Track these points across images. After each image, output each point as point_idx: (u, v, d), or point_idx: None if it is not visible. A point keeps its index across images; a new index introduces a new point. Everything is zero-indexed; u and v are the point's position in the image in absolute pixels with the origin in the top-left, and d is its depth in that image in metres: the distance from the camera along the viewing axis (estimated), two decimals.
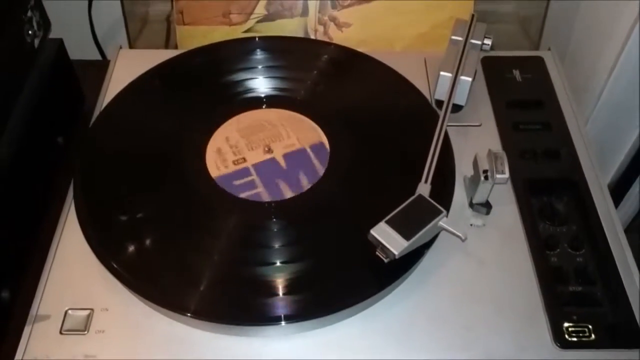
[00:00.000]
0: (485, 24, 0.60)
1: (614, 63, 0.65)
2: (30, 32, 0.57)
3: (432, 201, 0.46)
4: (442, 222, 0.45)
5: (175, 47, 0.70)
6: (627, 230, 0.78)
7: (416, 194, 0.46)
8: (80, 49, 0.80)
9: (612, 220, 0.52)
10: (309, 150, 0.54)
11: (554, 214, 0.53)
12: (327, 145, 0.54)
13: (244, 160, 0.54)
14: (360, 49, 0.64)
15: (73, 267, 0.49)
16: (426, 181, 0.48)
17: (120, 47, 0.67)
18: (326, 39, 0.68)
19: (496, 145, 0.57)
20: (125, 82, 0.60)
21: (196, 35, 0.68)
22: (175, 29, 0.69)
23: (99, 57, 0.84)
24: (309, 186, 0.51)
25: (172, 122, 0.56)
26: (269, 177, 0.52)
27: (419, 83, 0.61)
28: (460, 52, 0.57)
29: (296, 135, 0.55)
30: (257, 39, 0.62)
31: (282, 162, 0.53)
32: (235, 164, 0.53)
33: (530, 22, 0.74)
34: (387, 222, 0.44)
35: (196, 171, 0.52)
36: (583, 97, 0.70)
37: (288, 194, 0.50)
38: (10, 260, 0.52)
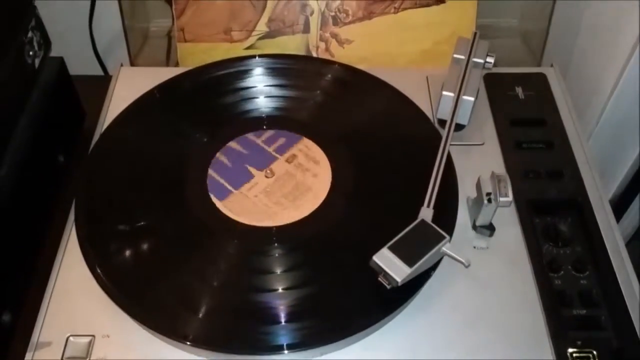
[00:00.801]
0: (487, 42, 0.60)
1: (617, 79, 0.65)
2: (30, 52, 0.57)
3: (435, 226, 0.46)
4: (445, 247, 0.45)
5: (176, 64, 0.69)
6: (630, 241, 0.79)
7: (419, 219, 0.46)
8: (81, 63, 0.80)
9: (615, 242, 0.52)
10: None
11: (558, 235, 0.52)
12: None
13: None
14: (361, 66, 0.63)
15: (74, 293, 0.48)
16: (429, 205, 0.48)
17: (122, 65, 0.66)
18: (327, 56, 0.68)
19: (499, 164, 0.57)
20: (127, 100, 0.60)
21: (197, 53, 0.67)
22: (176, 45, 0.69)
23: (100, 70, 0.84)
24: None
25: (175, 143, 0.56)
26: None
27: (422, 100, 0.61)
28: (463, 71, 0.57)
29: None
30: (257, 56, 0.62)
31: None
32: None
33: (533, 37, 0.74)
34: (389, 248, 0.44)
35: (200, 196, 0.52)
36: (586, 112, 0.70)
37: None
38: (11, 283, 0.52)
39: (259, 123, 0.57)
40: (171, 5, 0.67)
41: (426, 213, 0.47)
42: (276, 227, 0.50)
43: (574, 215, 0.54)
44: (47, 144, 0.60)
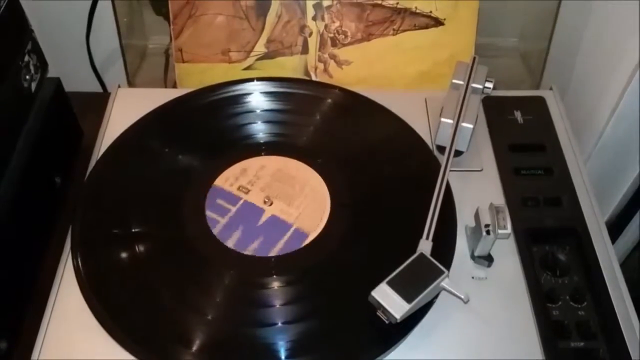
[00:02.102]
0: (486, 67, 0.60)
1: (617, 102, 0.65)
2: (27, 76, 0.57)
3: (434, 260, 0.45)
4: (444, 282, 0.45)
5: (174, 83, 0.69)
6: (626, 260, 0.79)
7: (417, 252, 0.46)
8: (79, 79, 0.80)
9: (613, 272, 0.52)
10: (291, 231, 0.52)
11: (556, 264, 0.52)
12: (312, 236, 0.51)
13: (247, 192, 0.54)
14: (360, 87, 0.64)
15: (71, 322, 0.48)
16: (427, 237, 0.47)
17: (119, 86, 0.66)
18: (326, 77, 0.67)
19: (498, 191, 0.57)
20: (124, 122, 0.60)
21: (195, 73, 0.67)
22: (173, 64, 0.68)
23: (98, 85, 0.83)
24: (250, 253, 0.50)
25: (171, 171, 0.56)
26: (238, 220, 0.52)
27: (420, 123, 0.61)
28: (462, 97, 0.57)
29: (303, 211, 0.53)
30: (255, 79, 0.62)
31: (263, 219, 0.53)
32: (238, 189, 0.54)
33: (532, 57, 0.74)
34: (388, 283, 0.44)
35: (201, 233, 0.51)
36: (584, 134, 0.70)
37: (230, 244, 0.50)
38: (8, 309, 0.52)
39: (256, 149, 0.57)
40: (169, 22, 0.67)
41: (425, 246, 0.47)
42: (275, 257, 0.49)
43: (572, 243, 0.54)
44: (44, 166, 0.59)
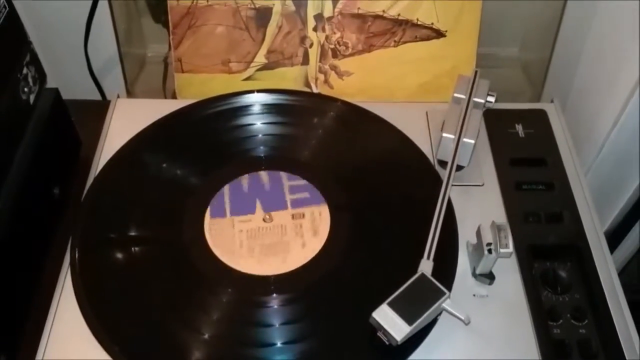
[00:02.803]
0: (488, 81, 0.60)
1: (619, 114, 0.64)
2: (25, 89, 0.56)
3: (435, 281, 0.45)
4: (445, 304, 0.44)
5: (174, 93, 0.69)
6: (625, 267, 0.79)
7: (419, 272, 0.46)
8: (78, 85, 0.80)
9: (615, 290, 0.51)
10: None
11: (557, 281, 0.52)
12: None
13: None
14: (361, 98, 0.63)
15: (69, 338, 0.48)
16: (428, 257, 0.47)
17: (118, 96, 0.66)
18: (326, 87, 0.67)
19: (499, 206, 0.57)
20: (123, 134, 0.60)
21: (195, 83, 0.67)
22: (173, 73, 0.68)
23: (97, 91, 0.83)
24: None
25: (171, 184, 0.55)
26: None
27: (421, 136, 0.60)
28: (463, 112, 0.57)
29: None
30: (255, 91, 0.62)
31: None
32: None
33: (533, 67, 0.74)
34: (389, 304, 0.44)
35: (202, 253, 0.51)
36: (585, 145, 0.69)
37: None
38: (7, 324, 0.52)
39: (257, 163, 0.57)
40: (168, 30, 0.66)
41: (426, 266, 0.47)
42: (274, 275, 0.49)
43: (573, 260, 0.54)
44: (42, 178, 0.59)
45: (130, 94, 0.71)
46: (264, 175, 0.56)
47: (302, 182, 0.56)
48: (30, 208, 0.56)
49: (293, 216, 0.53)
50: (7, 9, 0.53)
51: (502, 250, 0.48)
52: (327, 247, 0.51)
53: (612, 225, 0.75)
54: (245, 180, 0.55)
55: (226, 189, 0.55)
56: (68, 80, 0.84)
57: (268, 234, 0.52)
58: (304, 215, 0.53)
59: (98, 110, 0.67)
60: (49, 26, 0.79)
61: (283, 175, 0.56)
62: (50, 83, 0.84)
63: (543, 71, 0.72)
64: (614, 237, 0.75)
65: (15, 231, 0.52)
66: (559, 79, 0.73)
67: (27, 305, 0.54)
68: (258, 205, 0.54)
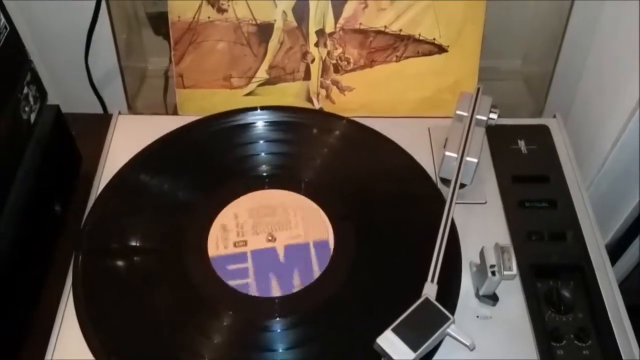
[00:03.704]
0: (491, 98, 0.59)
1: (622, 129, 0.64)
2: (26, 108, 0.56)
3: (439, 305, 0.45)
4: (449, 329, 0.44)
5: (175, 108, 0.68)
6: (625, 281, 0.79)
7: (423, 297, 0.46)
8: (78, 97, 0.80)
9: (618, 310, 0.51)
10: (312, 246, 0.53)
11: (560, 300, 0.52)
12: (331, 244, 0.52)
13: (245, 244, 0.53)
14: (362, 113, 0.63)
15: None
16: (432, 280, 0.47)
17: (119, 113, 0.65)
18: (328, 102, 0.67)
19: (502, 224, 0.56)
20: (124, 151, 0.60)
21: (196, 99, 0.67)
22: (174, 87, 0.67)
23: (97, 101, 0.82)
24: (299, 288, 0.50)
25: (173, 207, 0.55)
26: (263, 269, 0.51)
27: (423, 153, 0.61)
28: (466, 130, 0.57)
29: (304, 226, 0.54)
30: (258, 108, 0.62)
31: (281, 254, 0.52)
32: (235, 245, 0.53)
33: (535, 80, 0.73)
34: (393, 330, 0.43)
35: (203, 275, 0.51)
36: (587, 160, 0.69)
37: (276, 292, 0.50)
38: (8, 343, 0.51)
39: (260, 182, 0.57)
40: (169, 42, 0.66)
41: (430, 290, 0.46)
42: (278, 297, 0.49)
43: (576, 279, 0.53)
44: (44, 195, 0.59)
45: (131, 108, 0.71)
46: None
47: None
48: (32, 226, 0.56)
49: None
50: (8, 29, 0.53)
51: (505, 273, 0.48)
52: (328, 270, 0.51)
53: (612, 239, 0.75)
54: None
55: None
56: (69, 92, 0.84)
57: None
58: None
59: (99, 122, 0.67)
60: (50, 38, 0.78)
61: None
62: (51, 95, 0.84)
63: (546, 84, 0.71)
64: (614, 251, 0.75)
65: (17, 251, 0.52)
66: (562, 92, 0.73)
67: (29, 325, 0.54)
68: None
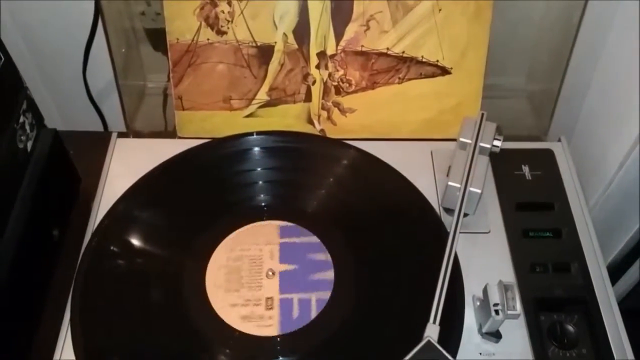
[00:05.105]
0: (494, 124, 0.58)
1: (626, 156, 0.63)
2: (22, 137, 0.55)
3: (442, 349, 0.44)
4: None
5: (174, 130, 0.67)
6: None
7: (425, 339, 0.45)
8: (79, 112, 0.79)
9: (622, 346, 0.51)
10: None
11: (564, 335, 0.52)
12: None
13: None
14: (364, 135, 0.63)
15: None
16: (434, 321, 0.46)
17: (118, 136, 0.64)
18: (329, 124, 0.66)
19: (505, 255, 0.56)
20: (122, 177, 0.59)
21: (196, 121, 0.66)
22: (172, 107, 0.66)
23: (96, 115, 0.81)
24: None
25: (169, 238, 0.54)
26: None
27: (425, 178, 0.60)
28: (469, 159, 0.56)
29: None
30: (254, 134, 0.61)
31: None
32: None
33: (540, 99, 0.72)
34: None
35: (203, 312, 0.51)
36: (591, 180, 0.68)
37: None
38: None
39: (259, 213, 0.56)
40: (168, 58, 0.65)
41: (432, 331, 0.46)
42: (280, 336, 0.49)
43: (580, 312, 0.53)
44: (42, 221, 0.58)
45: (129, 128, 0.70)
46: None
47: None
48: (30, 253, 0.55)
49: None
50: (3, 59, 0.52)
51: (509, 312, 0.47)
52: (329, 308, 0.50)
53: (614, 259, 0.74)
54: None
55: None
56: (69, 107, 0.83)
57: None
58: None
59: (98, 141, 0.66)
60: (49, 53, 0.77)
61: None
62: (51, 111, 0.84)
63: (551, 102, 0.70)
64: (614, 272, 0.74)
65: (16, 279, 0.52)
66: (565, 111, 0.72)
67: (28, 348, 0.53)
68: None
